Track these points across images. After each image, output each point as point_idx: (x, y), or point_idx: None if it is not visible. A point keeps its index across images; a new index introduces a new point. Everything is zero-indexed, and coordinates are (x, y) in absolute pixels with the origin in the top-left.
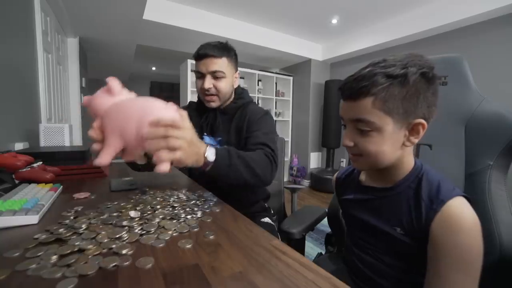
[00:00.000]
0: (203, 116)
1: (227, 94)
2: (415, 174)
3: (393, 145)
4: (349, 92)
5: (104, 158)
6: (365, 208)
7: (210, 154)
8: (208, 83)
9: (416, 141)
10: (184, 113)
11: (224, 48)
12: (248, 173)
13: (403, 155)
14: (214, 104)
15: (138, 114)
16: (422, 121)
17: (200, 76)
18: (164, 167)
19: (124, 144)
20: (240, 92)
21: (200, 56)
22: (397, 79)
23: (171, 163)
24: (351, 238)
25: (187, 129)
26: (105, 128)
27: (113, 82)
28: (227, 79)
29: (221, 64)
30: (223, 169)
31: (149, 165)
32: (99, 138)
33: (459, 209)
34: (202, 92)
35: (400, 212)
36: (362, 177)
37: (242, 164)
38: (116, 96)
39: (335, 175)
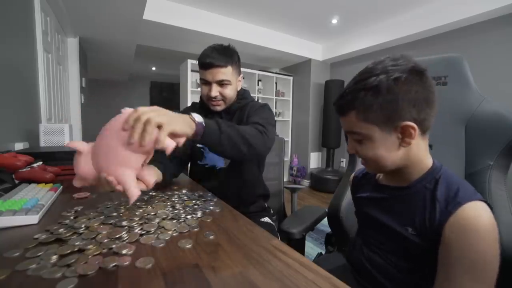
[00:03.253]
0: (208, 116)
1: (232, 99)
2: (432, 175)
3: (388, 149)
4: (337, 109)
5: (135, 191)
6: (379, 206)
7: (197, 118)
8: (215, 91)
9: (412, 141)
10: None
11: (228, 55)
12: (241, 140)
13: (411, 155)
14: (219, 108)
15: (112, 136)
16: (408, 123)
17: (206, 83)
18: (170, 143)
19: (131, 167)
20: (242, 93)
21: (205, 65)
22: (371, 91)
23: (177, 144)
24: (362, 237)
25: (155, 108)
26: (108, 170)
27: (72, 144)
28: (232, 86)
29: (226, 73)
30: (215, 135)
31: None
32: (115, 184)
33: (476, 212)
34: (208, 98)
35: (414, 212)
36: (380, 175)
37: (233, 131)
38: (85, 151)
39: (353, 173)
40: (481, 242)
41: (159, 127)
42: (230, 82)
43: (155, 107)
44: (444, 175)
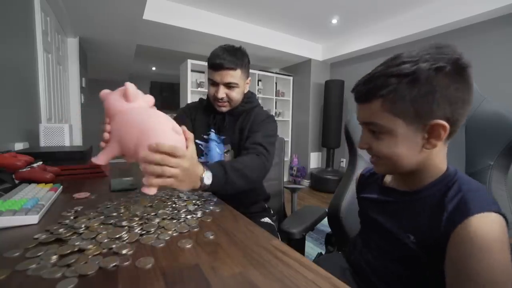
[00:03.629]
0: (212, 115)
1: (238, 101)
2: (444, 181)
3: (409, 148)
4: (358, 94)
5: (100, 158)
6: (383, 210)
7: (207, 179)
8: (222, 93)
9: (438, 143)
10: (191, 136)
11: (239, 58)
12: (243, 182)
13: (429, 158)
14: (224, 109)
15: (139, 133)
16: (441, 122)
17: (213, 83)
18: (150, 191)
19: (122, 153)
20: (249, 96)
21: (215, 66)
22: (406, 78)
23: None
24: (363, 238)
25: (185, 158)
26: (111, 130)
27: (130, 88)
28: (239, 89)
29: (235, 76)
30: (219, 187)
31: None
32: (107, 138)
33: (488, 226)
34: (215, 99)
35: (418, 220)
36: (388, 178)
37: (238, 176)
38: (129, 103)
39: (360, 171)
40: (490, 258)
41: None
42: (238, 85)
43: (186, 167)
44: (458, 182)
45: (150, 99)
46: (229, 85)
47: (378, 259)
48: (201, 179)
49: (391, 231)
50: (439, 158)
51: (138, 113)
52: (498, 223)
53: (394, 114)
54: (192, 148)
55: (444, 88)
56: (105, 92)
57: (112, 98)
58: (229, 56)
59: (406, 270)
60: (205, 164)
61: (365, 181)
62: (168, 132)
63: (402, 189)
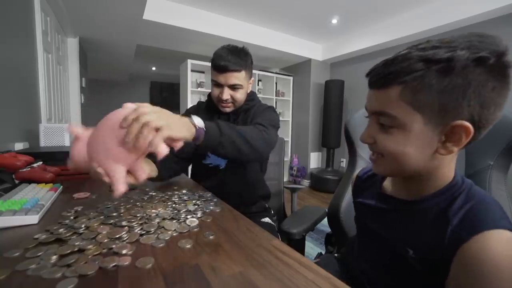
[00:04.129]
0: (215, 116)
1: (242, 102)
2: (450, 191)
3: (420, 149)
4: (374, 78)
5: (121, 187)
6: (380, 219)
7: (198, 122)
8: (226, 94)
9: (455, 149)
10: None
11: (243, 59)
12: (242, 141)
13: (439, 165)
14: (228, 110)
15: (108, 131)
16: (466, 123)
17: (218, 85)
18: (163, 149)
19: (122, 163)
20: (251, 95)
21: (220, 68)
22: (437, 65)
23: (173, 148)
24: (359, 246)
25: (156, 109)
26: (99, 163)
27: (72, 129)
28: (243, 89)
29: (240, 77)
30: (215, 138)
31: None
32: (103, 173)
33: (499, 245)
34: (219, 100)
35: (419, 232)
36: (386, 183)
37: (234, 133)
38: (83, 137)
39: (356, 173)
40: (502, 284)
41: (157, 130)
42: (242, 86)
43: (157, 108)
44: (466, 192)
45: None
46: (233, 87)
47: (374, 270)
48: (193, 122)
49: (389, 243)
50: (450, 166)
51: (95, 128)
52: None
53: (413, 106)
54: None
55: (481, 84)
56: (71, 154)
57: (75, 149)
58: (234, 58)
59: (403, 284)
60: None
61: (361, 184)
62: (122, 109)
63: (403, 198)
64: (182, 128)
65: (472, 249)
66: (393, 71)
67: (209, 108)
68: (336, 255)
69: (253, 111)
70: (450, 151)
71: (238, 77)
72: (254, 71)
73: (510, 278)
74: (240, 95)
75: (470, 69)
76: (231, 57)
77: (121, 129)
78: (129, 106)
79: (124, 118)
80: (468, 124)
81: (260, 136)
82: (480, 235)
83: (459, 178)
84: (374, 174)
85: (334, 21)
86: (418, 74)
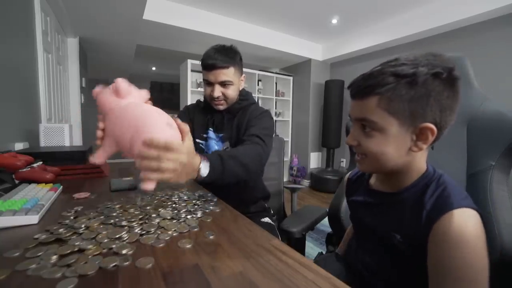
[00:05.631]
0: (209, 114)
1: (234, 99)
2: (424, 181)
3: (397, 148)
4: (355, 90)
5: (97, 158)
6: (371, 212)
7: (204, 168)
8: (217, 92)
9: (424, 146)
10: (186, 128)
11: (231, 56)
12: (242, 170)
13: (413, 160)
14: (221, 107)
15: (133, 129)
16: (430, 125)
17: (209, 84)
18: (148, 186)
19: (119, 150)
20: (244, 94)
21: (208, 67)
22: (405, 79)
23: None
24: (357, 241)
25: (181, 151)
26: (105, 128)
27: (121, 84)
28: (234, 86)
29: (228, 74)
30: (217, 176)
31: None
32: (101, 136)
33: (462, 221)
34: (211, 98)
35: (402, 219)
36: (372, 180)
37: (235, 164)
38: (122, 99)
39: (347, 175)
40: (467, 254)
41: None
42: (232, 83)
43: (176, 145)
44: (436, 181)
45: (145, 94)
46: (223, 84)
47: (374, 260)
48: (198, 170)
49: (380, 231)
50: (421, 161)
51: (130, 109)
52: (474, 217)
53: (389, 113)
54: (189, 141)
55: (438, 93)
56: (97, 89)
57: (104, 95)
58: (221, 55)
59: (399, 271)
60: (203, 155)
61: (352, 185)
62: (162, 126)
63: (386, 191)
64: (184, 177)
65: (441, 226)
66: (370, 84)
67: (205, 108)
68: (336, 251)
69: (249, 112)
70: (421, 148)
71: (227, 74)
72: (254, 71)
73: (473, 248)
74: (232, 92)
75: (429, 82)
76: (218, 55)
77: (139, 141)
78: (119, 81)
79: (148, 143)
80: (432, 125)
81: (257, 158)
82: (447, 214)
83: (431, 169)
84: (363, 174)
85: (334, 21)
86: (390, 86)
